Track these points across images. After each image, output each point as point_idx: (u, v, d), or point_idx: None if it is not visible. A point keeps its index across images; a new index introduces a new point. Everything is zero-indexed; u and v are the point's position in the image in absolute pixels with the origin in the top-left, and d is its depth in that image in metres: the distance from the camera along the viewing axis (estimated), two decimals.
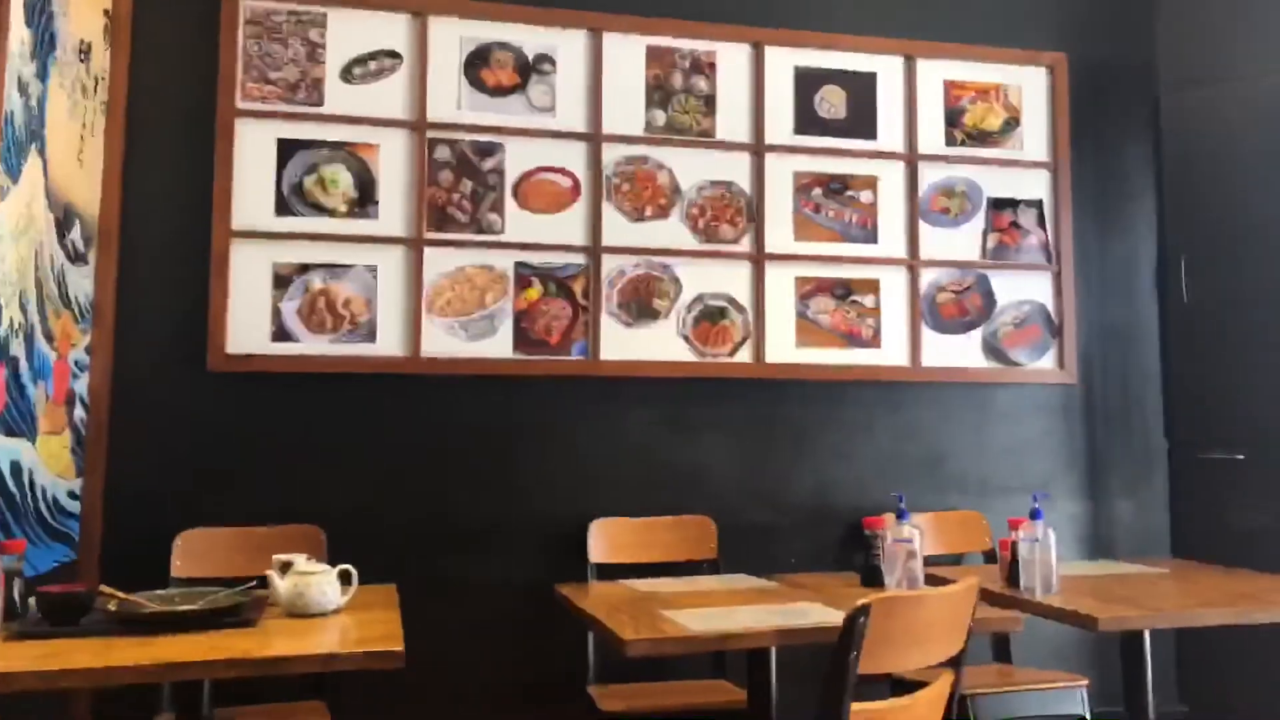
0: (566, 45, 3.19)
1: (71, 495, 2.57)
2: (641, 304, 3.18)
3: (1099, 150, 3.61)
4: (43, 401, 2.34)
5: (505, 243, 3.09)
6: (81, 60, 2.58)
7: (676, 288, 3.21)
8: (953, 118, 3.50)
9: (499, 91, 3.14)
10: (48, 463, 2.38)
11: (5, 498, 2.11)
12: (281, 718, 2.47)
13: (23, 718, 2.28)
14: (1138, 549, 3.47)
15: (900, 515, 2.38)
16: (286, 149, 2.97)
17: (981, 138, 3.53)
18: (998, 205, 3.51)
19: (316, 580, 1.98)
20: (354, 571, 2.08)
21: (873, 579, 2.48)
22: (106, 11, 2.77)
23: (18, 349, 2.18)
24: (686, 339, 3.20)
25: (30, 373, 2.25)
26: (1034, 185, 3.55)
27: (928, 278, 3.41)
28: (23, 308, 2.20)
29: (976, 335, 3.44)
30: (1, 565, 1.80)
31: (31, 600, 1.90)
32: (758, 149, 3.31)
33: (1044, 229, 3.54)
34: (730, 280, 3.25)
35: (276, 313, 2.91)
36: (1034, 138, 3.56)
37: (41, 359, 2.33)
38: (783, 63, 3.36)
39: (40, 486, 2.33)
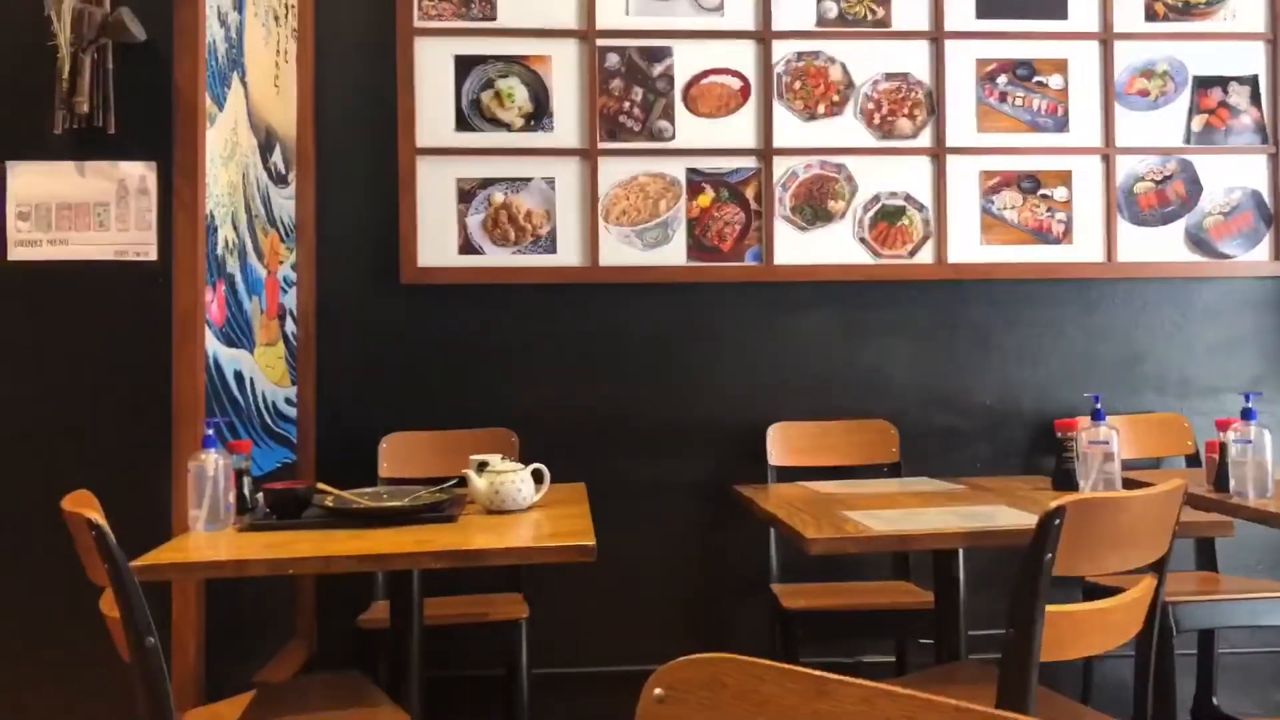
0: None
1: (288, 402, 2.75)
2: (816, 206, 3.08)
3: None
4: (258, 315, 2.49)
5: (676, 149, 3.05)
6: None
7: (852, 188, 3.09)
8: None
9: None
10: (266, 372, 2.55)
11: (232, 403, 2.27)
12: (483, 606, 2.60)
13: (257, 602, 2.50)
14: None
15: (1096, 416, 2.24)
16: (463, 65, 3.01)
17: (1186, 9, 3.20)
18: (1205, 84, 3.20)
19: (511, 478, 2.05)
20: (545, 470, 2.14)
21: (1065, 482, 2.36)
22: None
23: (233, 266, 2.32)
24: (863, 241, 3.09)
25: (245, 288, 2.40)
26: (1248, 60, 3.20)
27: (1125, 167, 3.16)
28: (235, 227, 2.34)
29: (1179, 226, 3.17)
30: (233, 464, 1.94)
31: (259, 496, 2.05)
32: (937, 36, 3.11)
33: (1259, 107, 3.20)
34: (909, 177, 3.11)
35: (462, 227, 2.99)
36: (1248, 4, 3.20)
37: (254, 276, 2.48)
38: None
39: (261, 393, 2.50)
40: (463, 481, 2.11)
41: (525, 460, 2.18)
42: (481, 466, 2.09)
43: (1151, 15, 3.19)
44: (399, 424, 2.89)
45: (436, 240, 2.97)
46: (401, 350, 2.96)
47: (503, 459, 2.13)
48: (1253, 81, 3.20)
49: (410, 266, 2.95)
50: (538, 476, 2.11)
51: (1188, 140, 3.19)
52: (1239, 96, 3.20)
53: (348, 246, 2.96)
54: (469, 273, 2.97)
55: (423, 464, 2.81)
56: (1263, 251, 3.18)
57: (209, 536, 1.83)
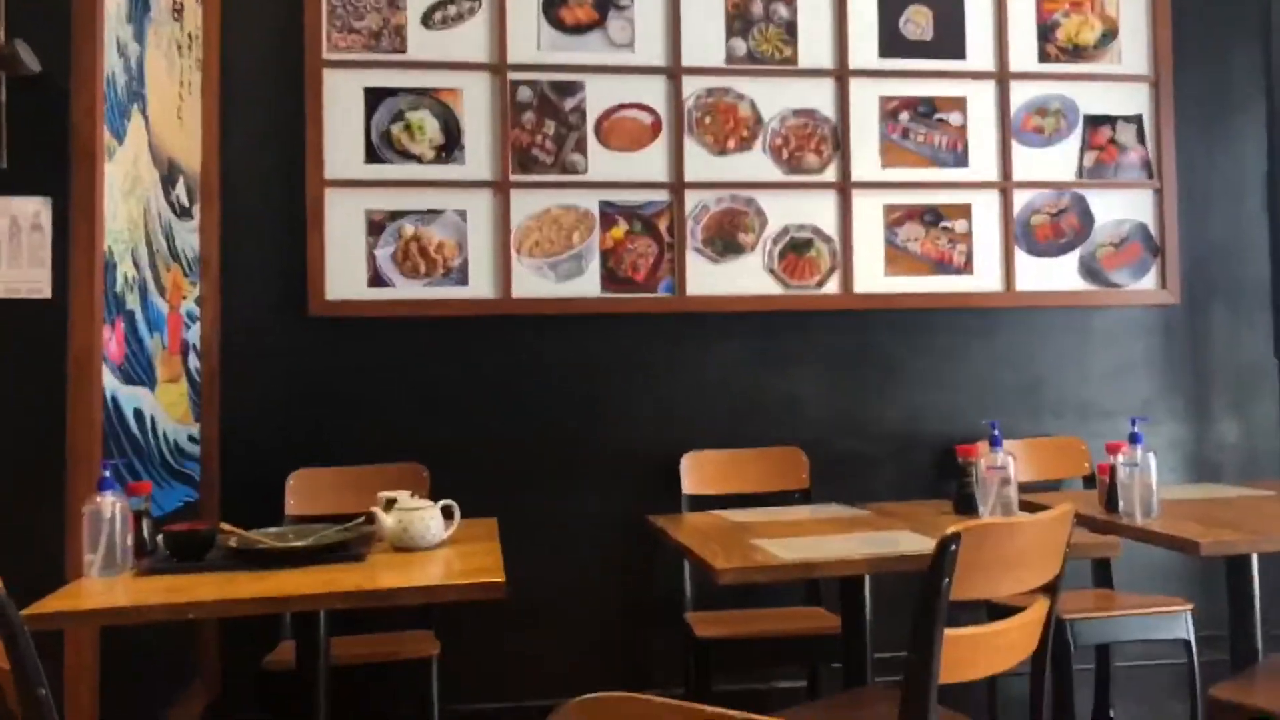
0: None
1: (191, 439, 2.70)
2: (727, 238, 3.15)
3: (1203, 60, 3.42)
4: (159, 351, 2.45)
5: (589, 182, 3.09)
6: (175, 19, 2.64)
7: (761, 220, 3.17)
8: (1046, 32, 3.35)
9: (578, 29, 3.11)
10: (167, 409, 2.50)
11: (131, 443, 2.23)
12: (393, 645, 2.58)
13: (156, 647, 2.43)
14: (1246, 473, 3.35)
15: (994, 442, 2.33)
16: (373, 97, 3.01)
17: (1077, 52, 3.37)
18: (1095, 122, 3.36)
19: (420, 515, 2.04)
20: (455, 506, 2.14)
21: (966, 507, 2.44)
22: None
23: (133, 302, 2.28)
24: (773, 272, 3.17)
25: (146, 325, 2.36)
26: (1133, 100, 3.38)
27: (1021, 200, 3.30)
28: (136, 263, 2.30)
29: (1073, 257, 3.32)
30: (131, 506, 1.90)
31: (159, 538, 2.01)
32: (841, 74, 3.22)
33: (1144, 145, 3.38)
34: (816, 210, 3.20)
35: (371, 259, 2.98)
36: (1133, 50, 3.38)
37: (156, 311, 2.43)
38: None
39: (162, 431, 2.45)
40: (371, 519, 2.09)
41: (436, 495, 2.17)
42: (390, 503, 2.08)
43: (1045, 57, 3.35)
44: (307, 460, 2.86)
45: (345, 273, 2.96)
46: (309, 385, 2.93)
47: (412, 495, 2.12)
48: (1138, 120, 3.38)
49: (318, 299, 2.93)
50: (447, 513, 2.10)
51: (1080, 175, 3.35)
52: (1126, 134, 3.38)
53: (254, 280, 2.93)
54: (378, 305, 2.96)
55: (331, 501, 2.77)
56: (1150, 281, 3.35)
57: (105, 582, 1.79)
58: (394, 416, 2.96)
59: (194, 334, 2.75)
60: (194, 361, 2.75)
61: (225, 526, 2.05)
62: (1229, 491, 2.70)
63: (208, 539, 1.96)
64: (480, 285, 3.02)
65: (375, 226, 2.99)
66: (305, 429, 2.92)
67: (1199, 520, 2.23)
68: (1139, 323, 3.35)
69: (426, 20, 3.04)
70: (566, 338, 3.06)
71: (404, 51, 3.03)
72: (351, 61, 2.99)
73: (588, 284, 3.08)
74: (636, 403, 3.09)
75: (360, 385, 2.96)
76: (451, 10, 3.05)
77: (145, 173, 2.38)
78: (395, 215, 3.00)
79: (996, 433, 2.36)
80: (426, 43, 3.04)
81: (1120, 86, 3.38)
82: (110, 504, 1.82)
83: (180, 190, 2.66)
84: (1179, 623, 2.68)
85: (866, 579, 2.27)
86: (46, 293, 2.01)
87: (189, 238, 2.73)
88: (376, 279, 2.98)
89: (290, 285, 2.93)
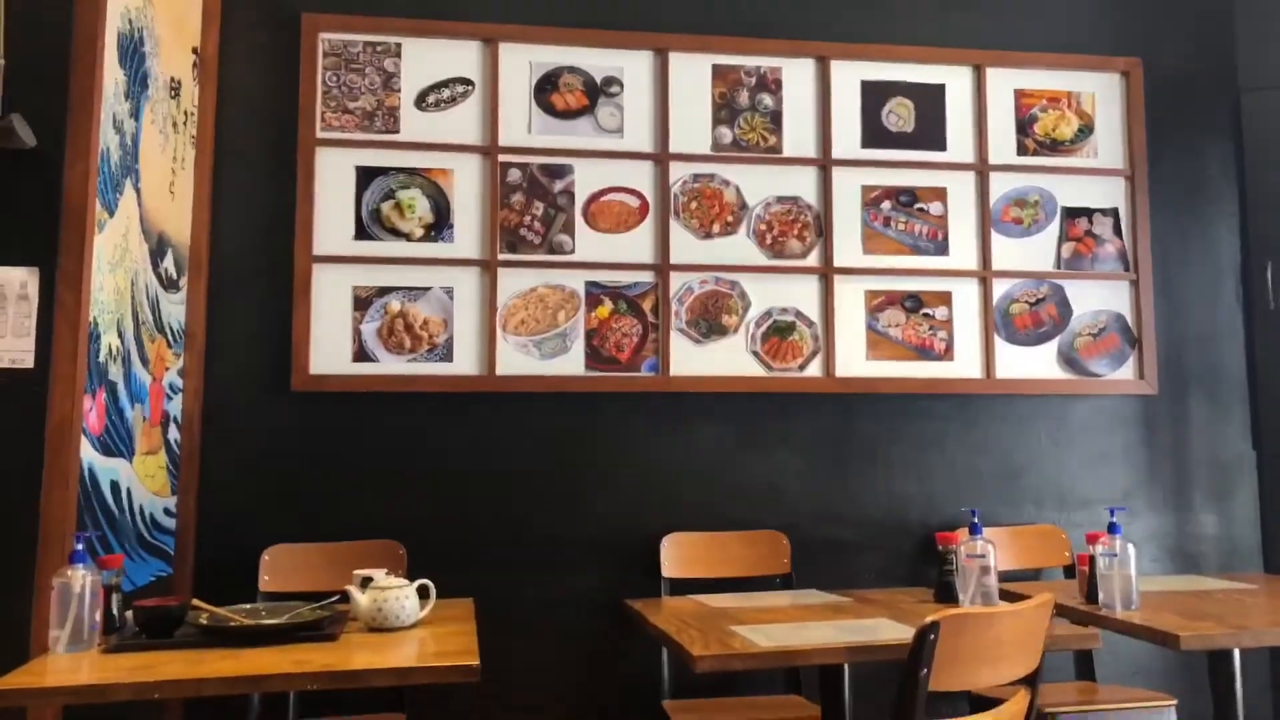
0: (633, 66, 3.23)
1: (167, 512, 2.67)
2: (710, 320, 3.19)
3: (1177, 155, 3.52)
4: (140, 423, 2.44)
5: (576, 262, 3.13)
6: (172, 97, 2.69)
7: (745, 303, 3.21)
8: (1024, 126, 3.45)
9: (568, 114, 3.19)
10: (145, 481, 2.48)
11: (105, 515, 2.20)
12: None
13: None
14: (1226, 565, 3.35)
15: (974, 530, 2.34)
16: (365, 176, 3.06)
17: (1054, 146, 3.46)
18: (1072, 214, 3.44)
19: (395, 595, 2.03)
20: (432, 586, 2.12)
21: (946, 595, 2.44)
22: (195, 50, 2.89)
23: (116, 373, 2.28)
24: (756, 354, 3.20)
25: (128, 396, 2.36)
26: (1109, 193, 3.47)
27: (1000, 289, 3.36)
28: (120, 334, 2.31)
29: (1052, 346, 3.37)
30: (102, 580, 1.88)
31: (128, 614, 1.98)
32: (825, 163, 3.30)
33: (1120, 237, 3.46)
34: (799, 295, 3.24)
35: (357, 334, 3.00)
36: (1109, 144, 3.48)
37: (138, 383, 2.43)
38: (849, 76, 3.35)
39: (138, 504, 2.43)
40: (345, 597, 2.07)
41: (413, 574, 2.16)
42: (366, 582, 2.07)
43: (1023, 150, 3.44)
44: (284, 535, 2.83)
45: (330, 347, 2.97)
46: (289, 459, 2.92)
47: (388, 574, 2.10)
48: (1114, 213, 3.46)
49: (301, 373, 2.93)
50: (423, 592, 2.09)
51: (1058, 265, 3.42)
52: (1102, 227, 3.46)
53: (238, 353, 2.93)
54: (362, 380, 2.97)
55: (307, 578, 2.74)
56: (1128, 371, 3.39)
57: (71, 658, 1.76)
58: (373, 493, 2.95)
59: (175, 406, 2.75)
60: (174, 433, 2.74)
61: (197, 603, 2.03)
62: (1210, 583, 2.70)
63: (178, 615, 1.94)
64: (465, 362, 3.04)
65: (362, 302, 3.01)
66: (283, 504, 2.90)
67: (1180, 612, 2.23)
68: (1117, 412, 3.38)
69: (420, 103, 3.11)
70: (549, 416, 3.07)
71: (396, 132, 3.09)
72: (344, 140, 3.05)
73: (572, 362, 3.10)
74: (618, 483, 3.08)
75: (340, 460, 2.94)
76: (445, 94, 3.13)
77: (135, 245, 2.40)
78: (383, 291, 3.02)
79: (976, 520, 2.37)
80: (419, 124, 3.10)
81: (1097, 180, 3.47)
82: (80, 577, 1.80)
83: (169, 262, 2.68)
84: (1163, 719, 2.65)
85: (846, 667, 2.25)
86: (29, 362, 2.01)
87: (175, 310, 2.74)
88: (361, 354, 2.99)
89: (274, 359, 2.94)
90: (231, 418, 2.91)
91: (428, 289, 3.05)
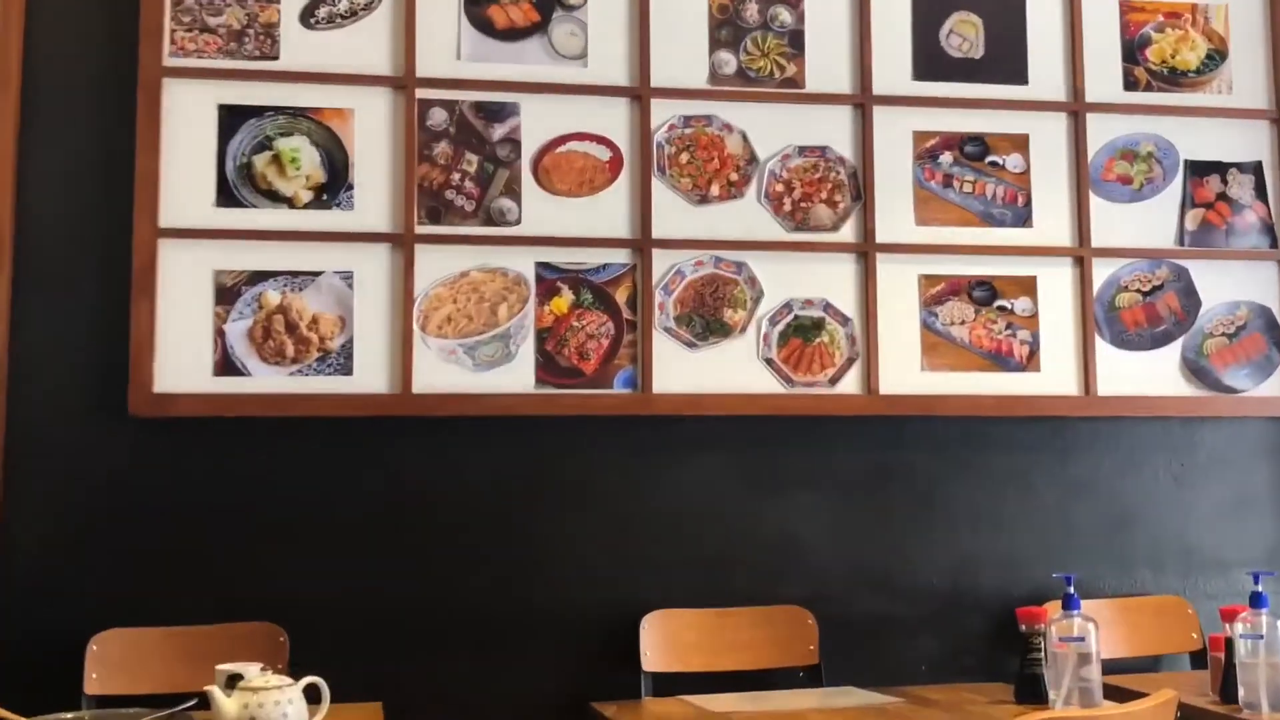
0: None
1: None
2: (708, 316, 3.19)
3: None
4: None
5: (523, 237, 3.13)
6: None
7: (755, 292, 3.22)
8: (1133, 52, 3.48)
9: (511, 34, 3.19)
10: None
11: None
12: None
13: None
14: None
15: (1068, 603, 2.36)
16: (231, 118, 3.05)
17: (1174, 79, 3.50)
18: (1199, 170, 3.48)
19: (274, 698, 2.01)
20: (324, 685, 2.11)
21: (1031, 693, 2.46)
22: None
23: None
24: (770, 363, 3.21)
25: None
26: (1250, 141, 3.51)
27: (1103, 273, 3.39)
28: None
29: (1174, 351, 3.40)
30: None
31: None
32: (863, 101, 3.32)
33: (1265, 201, 3.49)
34: (829, 281, 3.26)
35: (220, 336, 2.98)
36: (1248, 76, 3.52)
37: None
38: None
39: None
40: (205, 702, 2.06)
41: (297, 670, 2.15)
42: (233, 680, 2.07)
43: (1132, 83, 3.48)
44: (118, 618, 2.81)
45: (183, 356, 2.95)
46: (126, 511, 2.90)
47: (263, 669, 2.10)
48: (1256, 169, 3.50)
49: (143, 393, 2.91)
50: (312, 694, 2.08)
51: (1181, 241, 3.45)
52: (1240, 188, 3.49)
53: (53, 366, 2.91)
54: (227, 401, 2.95)
55: (150, 675, 2.72)
56: (1276, 384, 3.43)
57: None
58: (243, 558, 2.93)
59: None
60: None
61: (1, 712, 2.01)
62: None
63: None
64: (369, 375, 3.03)
65: (227, 293, 3.00)
66: (117, 574, 2.88)
67: None
68: (1262, 440, 3.42)
69: (307, 18, 3.10)
70: (487, 450, 3.06)
71: (275, 58, 3.08)
72: (202, 70, 3.04)
73: (518, 375, 3.09)
74: (581, 542, 3.08)
75: (198, 514, 2.93)
76: (342, 5, 3.12)
77: None
78: (256, 278, 3.01)
79: (1071, 590, 2.38)
80: (306, 47, 3.09)
81: (1232, 124, 3.51)
82: None
83: None
84: None
85: None
86: None
87: None
88: (226, 364, 2.98)
89: (105, 373, 2.92)
90: (45, 454, 2.89)
91: (318, 274, 3.04)
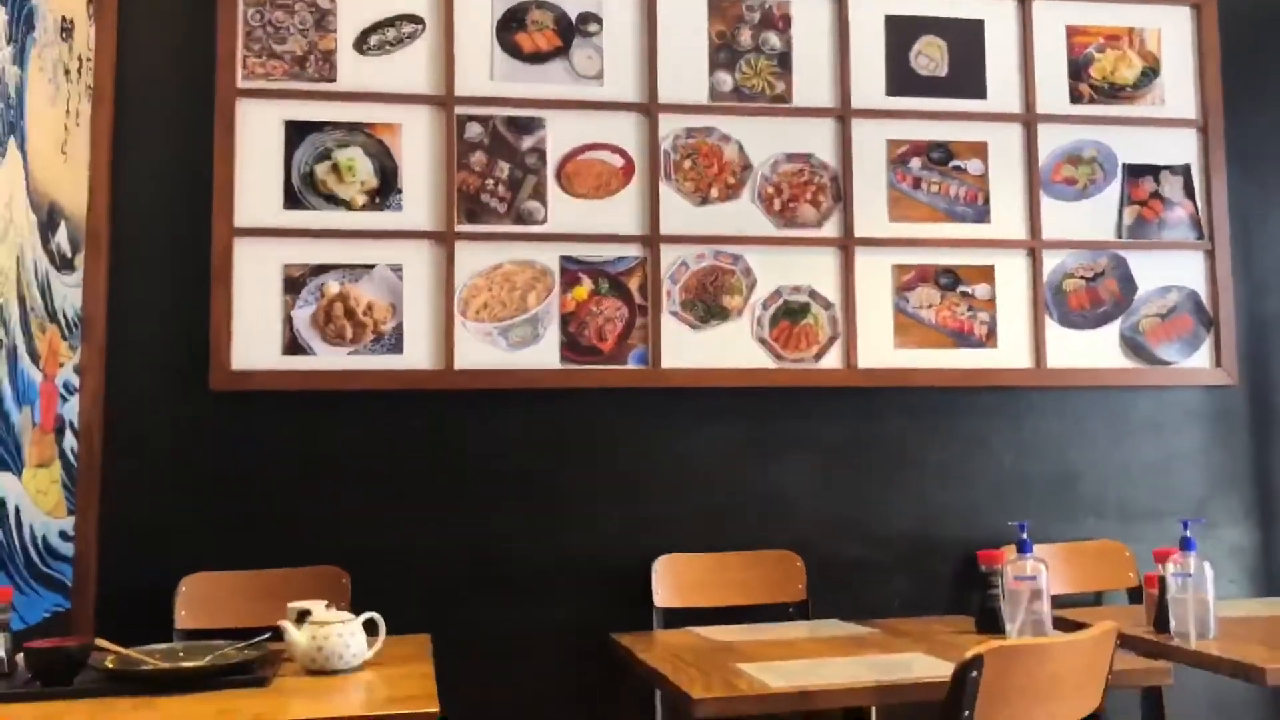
0: (614, 0, 3.23)
1: (63, 536, 2.67)
2: (709, 302, 3.19)
3: (1257, 102, 3.54)
4: (29, 429, 2.43)
5: (548, 234, 3.13)
6: (64, 40, 2.68)
7: (750, 281, 3.22)
8: (1077, 70, 3.46)
9: (537, 58, 3.19)
10: (36, 499, 2.47)
11: None
12: None
13: None
14: None
15: (1022, 547, 2.36)
16: (295, 133, 3.05)
17: (1113, 92, 3.48)
18: (1135, 172, 3.46)
19: (337, 631, 2.03)
20: (380, 620, 2.13)
21: (990, 624, 2.46)
22: None
23: (0, 370, 2.27)
24: (764, 342, 3.21)
25: (14, 397, 2.35)
26: (1179, 147, 3.49)
27: (1052, 261, 3.38)
28: (4, 323, 2.30)
29: (1113, 329, 3.39)
30: None
31: (19, 657, 1.98)
32: (843, 114, 3.30)
33: (1193, 199, 3.48)
34: (814, 271, 3.25)
35: (288, 322, 2.99)
36: (1178, 90, 3.50)
37: (27, 381, 2.42)
38: (871, 11, 3.36)
39: (28, 526, 2.42)
40: (279, 634, 2.08)
41: (357, 607, 2.17)
42: (302, 616, 2.08)
43: (1076, 97, 3.46)
44: (203, 563, 2.83)
45: (256, 338, 2.96)
46: (208, 471, 2.92)
47: (328, 606, 2.12)
48: (1185, 171, 3.49)
49: (222, 370, 2.93)
50: (371, 628, 2.10)
51: (1120, 234, 3.44)
52: (1172, 187, 3.48)
53: (146, 345, 2.92)
54: (294, 377, 2.96)
55: (231, 612, 2.74)
56: (1203, 358, 3.42)
57: None
58: (309, 511, 2.94)
59: (71, 409, 2.74)
60: (70, 442, 2.73)
61: (102, 643, 2.03)
62: None
63: (79, 658, 1.93)
64: (416, 354, 3.04)
65: (293, 283, 3.00)
66: (202, 525, 2.89)
67: (1265, 642, 2.25)
68: (1190, 406, 3.41)
69: (361, 45, 3.10)
70: (518, 418, 3.07)
71: (333, 80, 3.08)
72: (270, 91, 3.04)
73: (544, 353, 3.10)
74: (601, 496, 3.09)
75: (270, 473, 2.94)
76: (390, 34, 3.12)
77: (20, 217, 2.39)
78: (318, 270, 3.02)
79: (1025, 536, 2.39)
80: (360, 71, 3.09)
81: (1164, 132, 3.49)
82: None
83: (62, 237, 2.67)
84: None
85: (874, 711, 2.27)
86: None
87: (70, 294, 2.73)
88: (293, 345, 2.98)
89: (189, 352, 2.93)
90: (140, 423, 2.90)
91: (372, 267, 3.05)
